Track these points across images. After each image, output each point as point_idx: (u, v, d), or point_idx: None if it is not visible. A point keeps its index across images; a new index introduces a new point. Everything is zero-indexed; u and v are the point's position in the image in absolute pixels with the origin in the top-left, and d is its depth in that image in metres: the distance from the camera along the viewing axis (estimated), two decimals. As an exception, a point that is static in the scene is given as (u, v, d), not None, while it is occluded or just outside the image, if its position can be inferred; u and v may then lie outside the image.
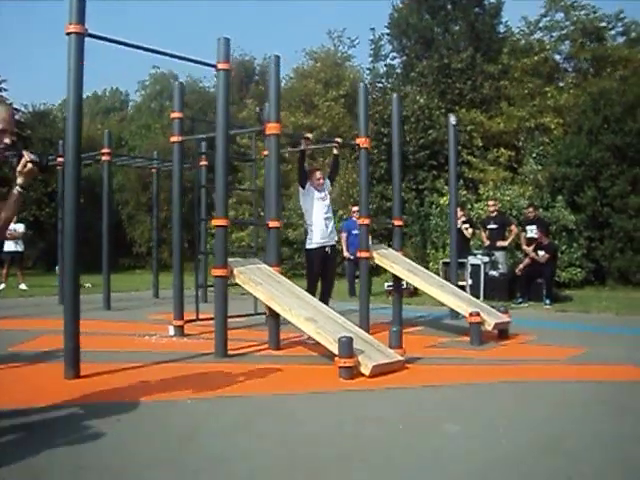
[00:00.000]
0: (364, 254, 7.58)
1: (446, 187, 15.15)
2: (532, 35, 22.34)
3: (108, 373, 4.92)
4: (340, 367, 4.85)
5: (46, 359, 5.51)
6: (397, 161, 8.33)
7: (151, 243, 16.14)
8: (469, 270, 11.84)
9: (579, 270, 14.23)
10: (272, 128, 6.45)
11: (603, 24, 21.51)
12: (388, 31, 23.13)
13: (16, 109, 23.44)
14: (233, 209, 20.86)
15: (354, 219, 11.57)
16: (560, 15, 22.06)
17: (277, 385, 4.69)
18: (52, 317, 6.30)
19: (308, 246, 7.12)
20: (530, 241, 11.64)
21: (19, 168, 2.99)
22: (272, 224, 6.44)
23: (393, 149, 8.41)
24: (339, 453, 3.16)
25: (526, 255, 11.61)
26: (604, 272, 14.77)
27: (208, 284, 8.75)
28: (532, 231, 11.69)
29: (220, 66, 5.94)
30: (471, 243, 12.83)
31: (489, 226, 12.29)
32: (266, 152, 6.86)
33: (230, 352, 5.88)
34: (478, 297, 10.44)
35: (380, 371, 4.94)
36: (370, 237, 12.12)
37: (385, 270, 8.44)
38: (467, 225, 12.19)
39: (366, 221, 7.56)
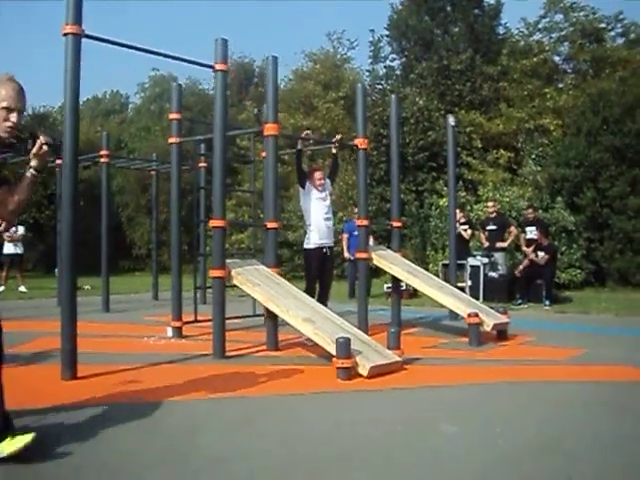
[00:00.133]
0: (362, 255, 7.58)
1: (446, 188, 15.13)
2: (531, 36, 22.34)
3: (105, 374, 4.91)
4: (338, 368, 4.84)
5: (43, 360, 5.50)
6: (396, 162, 8.33)
7: (151, 245, 16.13)
8: (468, 271, 11.83)
9: (579, 271, 14.22)
10: (270, 129, 6.45)
11: (602, 25, 21.52)
12: (387, 33, 23.13)
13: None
14: (233, 211, 20.86)
15: (355, 220, 11.56)
16: (559, 16, 22.09)
17: (275, 386, 4.67)
18: (51, 319, 6.27)
19: (306, 246, 7.10)
20: (529, 242, 11.63)
21: (34, 150, 3.01)
22: (270, 225, 6.43)
23: (392, 150, 8.41)
24: (338, 453, 3.16)
25: (525, 256, 11.60)
26: (604, 273, 14.76)
27: (207, 286, 8.75)
28: (531, 232, 11.69)
29: (218, 67, 5.94)
30: (470, 244, 12.82)
31: (488, 227, 12.28)
32: (264, 153, 6.86)
33: (228, 353, 5.88)
34: (477, 298, 10.42)
35: (378, 372, 4.94)
36: (372, 238, 12.21)
37: (385, 272, 8.44)
38: (466, 226, 12.18)
39: (365, 222, 7.55)
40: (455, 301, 7.26)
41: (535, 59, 20.30)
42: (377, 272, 11.96)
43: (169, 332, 7.36)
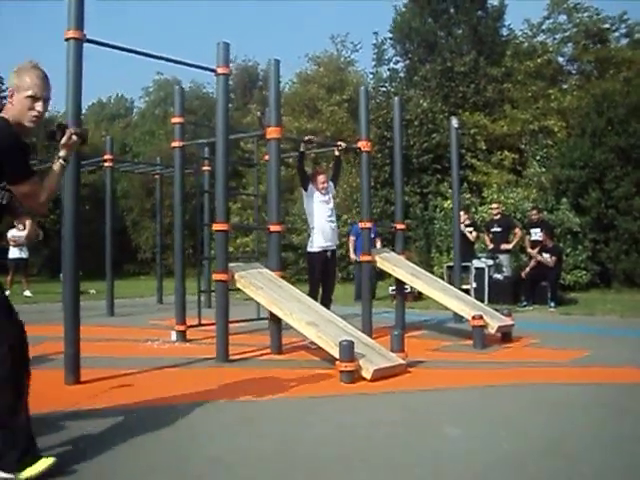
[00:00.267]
0: (366, 257, 7.58)
1: (450, 190, 15.11)
2: (535, 38, 22.32)
3: (109, 379, 4.92)
4: (341, 371, 4.84)
5: (47, 365, 5.50)
6: (399, 165, 8.33)
7: (155, 249, 16.16)
8: (473, 273, 11.80)
9: (584, 273, 14.16)
10: (273, 132, 6.45)
11: (606, 26, 21.49)
12: (391, 35, 23.14)
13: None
14: (237, 214, 20.90)
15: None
16: (563, 17, 22.07)
17: (277, 389, 4.66)
18: (55, 324, 6.26)
19: (309, 249, 7.10)
20: (534, 244, 11.59)
21: (64, 140, 3.03)
22: (273, 228, 6.44)
23: (395, 153, 8.41)
24: (340, 456, 3.15)
25: (531, 258, 11.56)
26: (609, 274, 14.70)
27: (212, 289, 8.76)
28: (536, 234, 11.65)
29: (220, 70, 5.95)
30: (475, 246, 12.78)
31: (493, 229, 12.24)
32: (267, 157, 6.87)
33: (232, 357, 5.89)
34: (482, 300, 10.41)
35: (382, 375, 4.93)
36: (379, 241, 12.20)
37: (390, 274, 8.43)
38: (471, 228, 12.15)
39: (368, 225, 7.55)
40: (459, 303, 7.24)
41: (539, 60, 20.27)
42: (382, 274, 11.94)
43: (173, 336, 7.37)
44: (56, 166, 3.02)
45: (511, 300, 11.21)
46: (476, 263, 11.87)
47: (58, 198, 5.41)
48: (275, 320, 6.14)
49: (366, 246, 7.65)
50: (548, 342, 7.00)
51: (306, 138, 7.66)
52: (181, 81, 30.18)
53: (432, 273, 10.62)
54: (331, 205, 7.18)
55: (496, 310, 7.42)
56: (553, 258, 11.04)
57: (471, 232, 12.04)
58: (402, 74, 22.95)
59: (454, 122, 9.70)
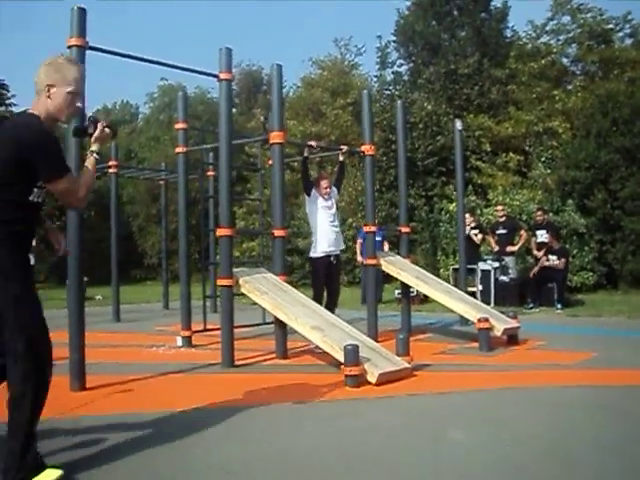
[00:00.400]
0: (371, 261, 7.57)
1: (455, 193, 15.09)
2: (539, 39, 22.24)
3: (114, 385, 4.93)
4: (346, 375, 4.83)
5: (52, 371, 5.51)
6: (403, 168, 8.33)
7: (161, 254, 16.19)
8: (479, 276, 11.78)
9: (591, 274, 14.10)
10: (276, 137, 6.45)
11: (610, 26, 21.39)
12: (394, 38, 23.13)
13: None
14: (243, 219, 20.91)
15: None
16: (567, 18, 21.98)
17: (283, 395, 4.67)
18: (61, 330, 6.27)
19: (312, 254, 7.10)
20: (540, 246, 11.57)
21: (97, 134, 3.03)
22: (277, 233, 6.43)
23: (399, 156, 8.41)
24: (344, 461, 3.15)
25: (537, 260, 11.54)
26: (616, 275, 14.63)
27: (217, 294, 8.77)
28: (542, 236, 11.62)
29: (222, 76, 5.97)
30: (481, 249, 12.76)
31: (498, 231, 12.23)
32: (271, 161, 6.87)
33: (237, 362, 5.88)
34: (489, 303, 10.39)
35: (387, 379, 4.92)
36: (387, 244, 12.18)
37: (397, 277, 8.42)
38: (477, 231, 12.13)
39: (372, 228, 7.54)
40: (464, 306, 7.23)
41: (543, 61, 20.21)
42: (389, 278, 11.94)
43: (179, 341, 7.38)
44: (90, 161, 3.00)
45: (517, 302, 11.19)
46: (482, 265, 11.85)
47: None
48: (280, 325, 6.13)
49: (371, 249, 7.64)
50: (554, 344, 6.97)
51: (309, 143, 7.67)
52: (185, 86, 30.18)
53: (438, 276, 10.59)
54: (334, 210, 7.17)
55: (502, 312, 7.40)
56: (562, 260, 11.01)
57: (477, 234, 12.03)
58: (406, 77, 22.92)
59: (458, 125, 9.69)
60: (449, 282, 10.28)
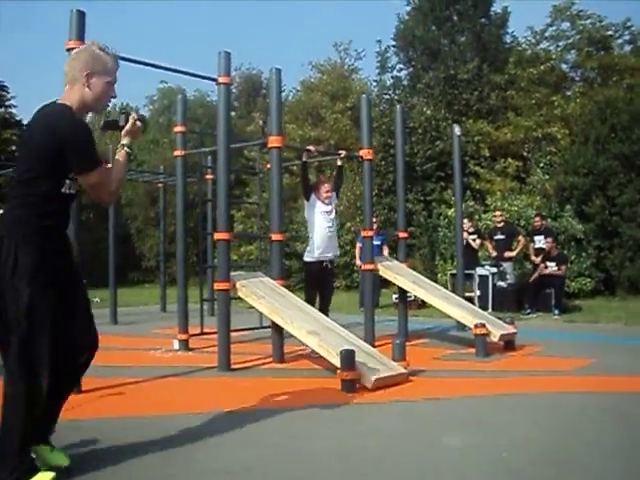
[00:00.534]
0: (368, 266, 7.57)
1: (454, 198, 15.11)
2: (538, 45, 22.28)
3: (110, 388, 4.92)
4: (342, 380, 4.83)
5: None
6: (401, 172, 8.34)
7: (159, 257, 16.19)
8: (477, 281, 11.78)
9: (588, 280, 14.11)
10: (274, 141, 6.46)
11: (609, 33, 21.44)
12: (394, 43, 23.15)
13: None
14: (242, 222, 20.89)
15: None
16: (566, 24, 22.01)
17: (279, 399, 4.66)
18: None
19: (306, 258, 7.06)
20: (538, 251, 11.57)
21: (128, 127, 2.95)
22: (275, 237, 6.44)
23: (397, 161, 8.42)
24: (340, 466, 3.15)
25: (535, 265, 11.54)
26: (614, 282, 14.63)
27: (215, 298, 8.76)
28: (540, 241, 11.63)
29: (221, 80, 5.98)
30: (479, 254, 12.76)
31: (496, 237, 12.24)
32: (269, 165, 6.87)
33: (234, 366, 5.88)
34: (486, 308, 10.39)
35: (383, 384, 4.91)
36: (387, 249, 12.18)
37: (394, 282, 8.42)
38: (475, 236, 12.14)
39: (370, 233, 7.54)
40: (461, 311, 7.23)
41: (542, 67, 20.23)
42: (387, 282, 11.95)
43: (175, 344, 7.37)
44: (121, 154, 2.93)
45: (515, 308, 11.18)
46: (480, 271, 11.86)
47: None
48: (277, 329, 6.13)
49: (368, 254, 7.64)
50: (552, 350, 6.98)
51: (307, 148, 7.67)
52: (185, 89, 30.16)
53: (436, 281, 10.61)
54: (333, 215, 7.12)
55: (499, 318, 7.40)
56: (562, 268, 11.03)
57: (475, 240, 12.03)
58: (405, 82, 22.93)
59: (456, 130, 9.70)
60: (447, 287, 10.29)
